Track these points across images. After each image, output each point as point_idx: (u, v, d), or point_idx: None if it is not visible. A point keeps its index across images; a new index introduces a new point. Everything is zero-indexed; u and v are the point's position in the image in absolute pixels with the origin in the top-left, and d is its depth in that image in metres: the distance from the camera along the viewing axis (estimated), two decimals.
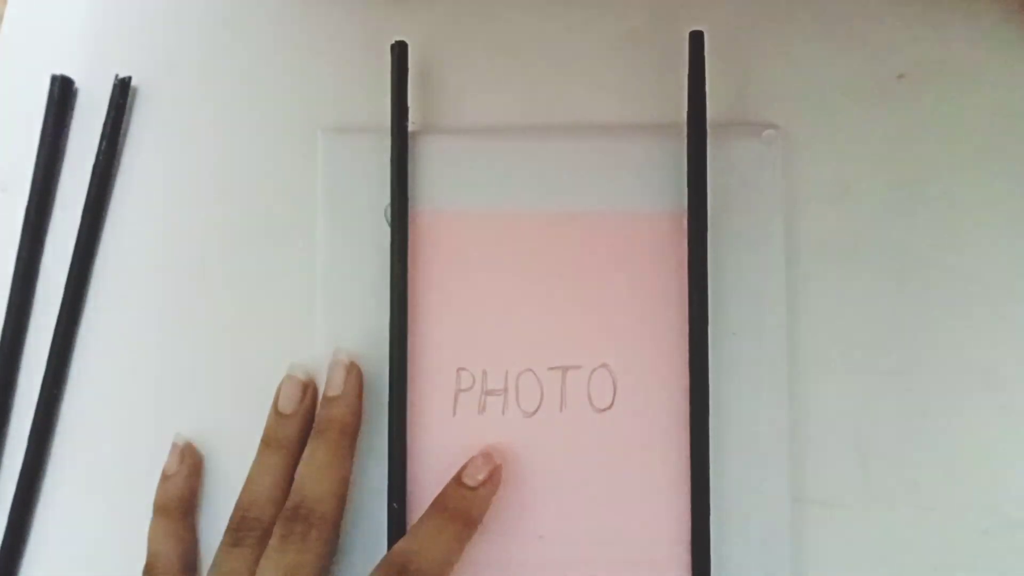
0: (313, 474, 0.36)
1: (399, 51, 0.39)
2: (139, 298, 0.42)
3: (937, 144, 0.41)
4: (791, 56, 0.42)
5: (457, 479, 0.37)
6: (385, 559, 0.35)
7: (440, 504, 0.37)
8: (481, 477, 0.37)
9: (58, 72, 0.43)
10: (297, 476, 0.36)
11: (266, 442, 0.38)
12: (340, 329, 0.39)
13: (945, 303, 0.40)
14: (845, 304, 0.40)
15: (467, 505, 0.36)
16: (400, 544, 0.36)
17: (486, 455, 0.37)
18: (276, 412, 0.38)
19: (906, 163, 0.41)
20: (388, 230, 0.39)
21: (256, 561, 0.35)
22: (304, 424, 0.38)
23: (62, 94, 0.43)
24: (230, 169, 0.42)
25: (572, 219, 0.40)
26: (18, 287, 0.41)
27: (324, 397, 0.38)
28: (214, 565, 0.36)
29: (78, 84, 0.44)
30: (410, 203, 0.39)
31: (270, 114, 0.43)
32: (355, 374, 0.38)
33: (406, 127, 0.39)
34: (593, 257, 0.40)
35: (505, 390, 0.39)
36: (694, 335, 0.38)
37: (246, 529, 0.36)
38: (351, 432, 0.38)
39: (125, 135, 0.43)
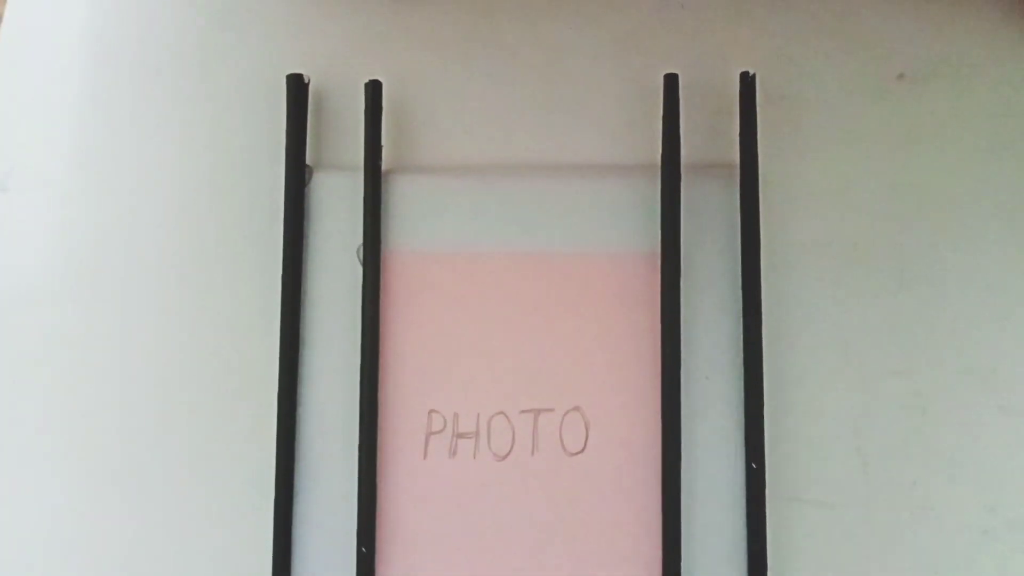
0: None
1: (373, 90, 0.39)
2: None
3: (936, 143, 0.41)
4: (792, 55, 0.42)
5: None
6: None
7: None
8: None
9: None
10: None
11: None
12: (310, 368, 0.39)
13: (945, 303, 0.40)
14: (845, 304, 0.40)
15: None
16: None
17: None
18: None
19: (906, 163, 0.41)
20: (360, 270, 0.39)
21: None
22: None
23: None
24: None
25: (546, 260, 0.40)
26: None
27: None
28: None
29: None
30: (383, 243, 0.39)
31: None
32: None
33: (379, 166, 0.39)
34: (566, 298, 0.39)
35: (477, 433, 0.39)
36: (666, 378, 0.38)
37: None
38: None
39: None
